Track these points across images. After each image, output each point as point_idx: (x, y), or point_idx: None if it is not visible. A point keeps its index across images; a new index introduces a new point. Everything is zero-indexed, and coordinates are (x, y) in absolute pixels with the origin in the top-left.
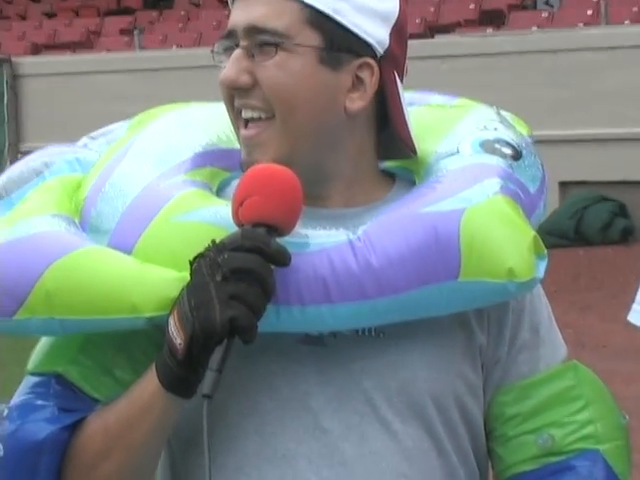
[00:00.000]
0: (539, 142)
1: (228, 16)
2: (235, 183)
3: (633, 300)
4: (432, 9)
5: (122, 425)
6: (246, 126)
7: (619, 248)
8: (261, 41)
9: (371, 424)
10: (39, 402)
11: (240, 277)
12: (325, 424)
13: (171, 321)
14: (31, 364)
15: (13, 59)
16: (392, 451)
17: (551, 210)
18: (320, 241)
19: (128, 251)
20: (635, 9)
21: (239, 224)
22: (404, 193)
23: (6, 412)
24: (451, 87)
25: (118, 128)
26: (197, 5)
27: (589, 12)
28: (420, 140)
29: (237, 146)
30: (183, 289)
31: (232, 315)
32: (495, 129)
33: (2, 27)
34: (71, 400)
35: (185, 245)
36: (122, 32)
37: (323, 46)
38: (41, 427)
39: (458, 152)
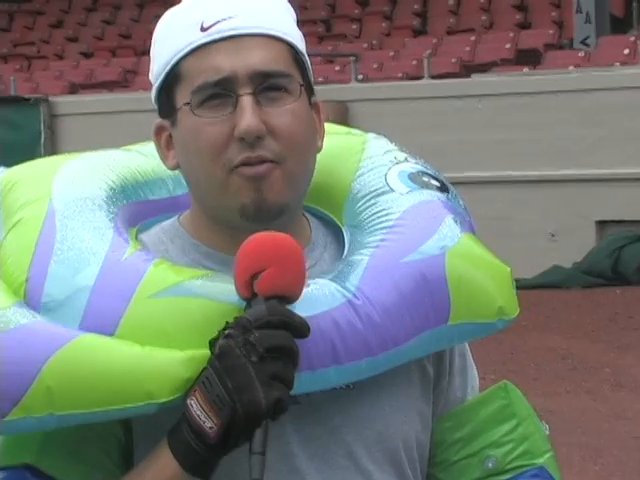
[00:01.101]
0: (577, 181)
1: None
2: (154, 232)
3: None
4: (468, 49)
5: None
6: (255, 165)
7: None
8: (269, 85)
9: (354, 477)
10: None
11: (276, 355)
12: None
13: (193, 403)
14: None
15: (50, 98)
16: None
17: (588, 249)
18: (316, 302)
19: (110, 332)
20: None
21: (247, 296)
22: (324, 233)
23: None
24: (487, 126)
25: None
26: None
27: (626, 51)
28: (327, 172)
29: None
30: (206, 369)
31: (277, 396)
32: (406, 159)
33: (40, 67)
34: None
35: (175, 321)
36: None
37: (305, 86)
38: None
39: (392, 190)
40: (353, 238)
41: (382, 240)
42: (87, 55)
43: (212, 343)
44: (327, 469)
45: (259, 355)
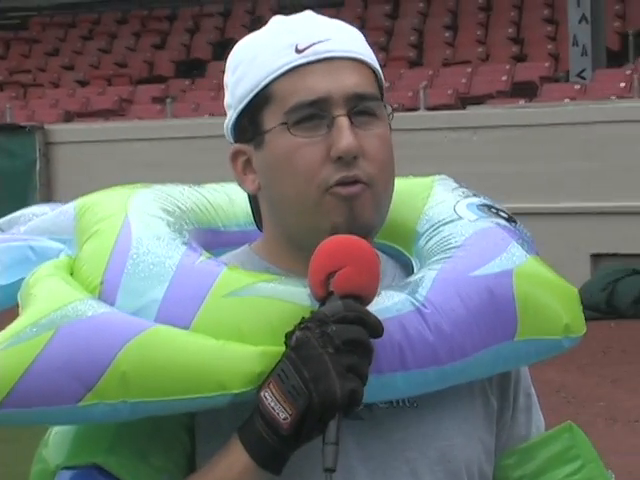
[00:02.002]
0: (571, 214)
1: None
2: (224, 257)
3: None
4: (464, 80)
5: None
6: (349, 184)
7: None
8: (362, 108)
9: None
10: None
11: (352, 349)
12: None
13: (267, 396)
14: (60, 457)
15: (46, 126)
16: None
17: (583, 282)
18: (386, 308)
19: (184, 327)
20: None
21: (322, 295)
22: (393, 266)
23: None
24: (482, 158)
25: (27, 214)
26: None
27: (622, 85)
28: (397, 208)
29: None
30: (281, 362)
31: (352, 388)
32: (475, 195)
33: (35, 95)
34: None
35: (249, 319)
36: (154, 100)
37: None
38: None
39: (460, 217)
40: (422, 265)
41: (449, 257)
42: (83, 83)
43: (287, 336)
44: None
45: (336, 347)
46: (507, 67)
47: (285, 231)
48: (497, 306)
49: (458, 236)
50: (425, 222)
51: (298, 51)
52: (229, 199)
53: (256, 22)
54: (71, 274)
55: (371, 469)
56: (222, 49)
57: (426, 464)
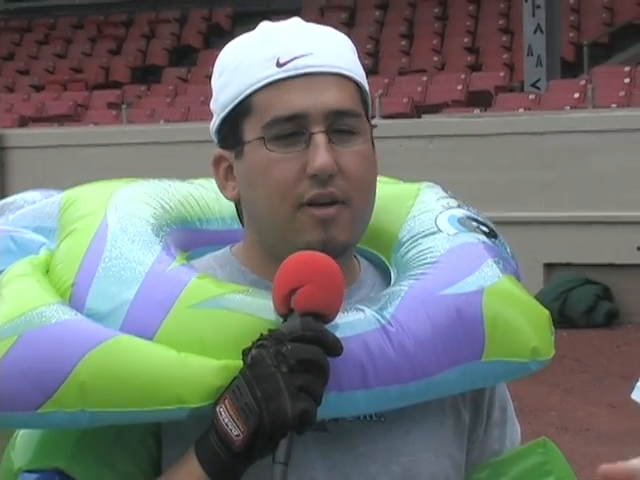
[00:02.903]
0: (525, 223)
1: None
2: (205, 259)
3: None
4: (419, 89)
5: None
6: (325, 205)
7: (603, 331)
8: (342, 125)
9: None
10: None
11: (306, 368)
12: None
13: (222, 411)
14: (23, 460)
15: (0, 131)
16: None
17: (535, 291)
18: (350, 325)
19: (148, 337)
20: (622, 93)
21: (283, 312)
22: (373, 274)
23: None
24: (438, 167)
25: (19, 200)
26: (185, 80)
27: (576, 95)
28: (381, 215)
29: (178, 224)
30: (237, 378)
31: (304, 408)
32: (459, 206)
33: None
34: None
35: (213, 332)
36: (110, 106)
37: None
38: None
39: (440, 230)
40: (399, 276)
41: (422, 273)
42: (38, 88)
43: (245, 353)
44: None
45: (289, 366)
46: (462, 76)
47: (262, 240)
48: (465, 326)
49: (434, 251)
50: (406, 232)
51: (279, 65)
52: (216, 196)
53: (213, 29)
54: (48, 271)
55: None
56: (178, 55)
57: (389, 478)
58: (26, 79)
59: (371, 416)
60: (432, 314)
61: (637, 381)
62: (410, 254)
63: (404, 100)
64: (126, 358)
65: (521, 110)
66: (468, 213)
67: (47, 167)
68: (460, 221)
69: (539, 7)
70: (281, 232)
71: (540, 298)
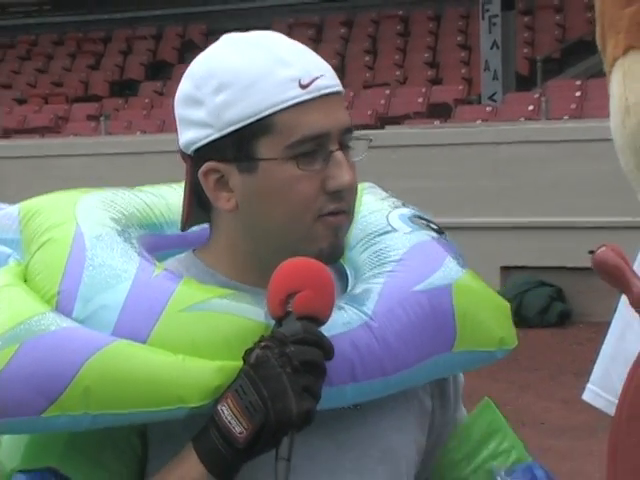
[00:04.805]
0: (483, 229)
1: None
2: (169, 262)
3: (578, 378)
4: (383, 102)
5: None
6: (336, 214)
7: (556, 331)
8: (349, 141)
9: None
10: None
11: (308, 370)
12: None
13: (224, 410)
14: (15, 461)
15: None
16: None
17: None
18: (336, 324)
19: (141, 342)
20: (573, 106)
21: (279, 314)
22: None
23: None
24: (400, 175)
25: None
26: (161, 94)
27: (530, 108)
28: None
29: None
30: (239, 378)
31: (308, 407)
32: (403, 205)
33: None
34: None
35: (204, 333)
36: (89, 118)
37: None
38: None
39: (394, 229)
40: (357, 274)
41: (392, 271)
42: (20, 101)
43: (247, 353)
44: (334, 477)
45: (294, 367)
46: (423, 90)
47: (253, 248)
48: (437, 319)
49: (395, 249)
50: (359, 231)
51: (302, 86)
52: (166, 203)
53: (187, 45)
54: (25, 281)
55: (317, 468)
56: (154, 70)
57: (369, 463)
58: (9, 93)
59: (348, 406)
60: (408, 309)
61: (587, 382)
62: (368, 252)
63: (368, 112)
64: (127, 362)
65: (478, 121)
66: (414, 212)
67: (28, 176)
68: (410, 219)
69: (495, 24)
70: (298, 241)
71: None
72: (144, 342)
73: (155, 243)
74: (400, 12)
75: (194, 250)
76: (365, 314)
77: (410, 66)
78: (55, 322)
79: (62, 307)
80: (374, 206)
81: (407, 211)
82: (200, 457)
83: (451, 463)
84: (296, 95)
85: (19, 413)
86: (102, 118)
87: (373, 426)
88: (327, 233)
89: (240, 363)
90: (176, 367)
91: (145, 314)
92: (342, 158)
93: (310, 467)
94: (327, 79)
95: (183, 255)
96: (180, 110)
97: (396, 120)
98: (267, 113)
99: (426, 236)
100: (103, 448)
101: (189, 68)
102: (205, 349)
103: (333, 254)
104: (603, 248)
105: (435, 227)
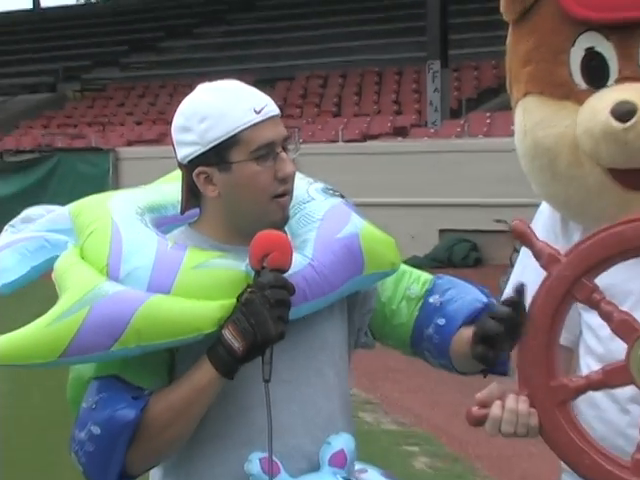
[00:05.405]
0: (429, 205)
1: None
2: (174, 234)
3: None
4: (365, 125)
5: (185, 402)
6: (285, 196)
7: (473, 270)
8: (286, 144)
9: (311, 371)
10: (117, 396)
11: (280, 304)
12: (284, 376)
13: (226, 333)
14: (90, 372)
15: (116, 149)
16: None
17: (433, 246)
18: (294, 266)
19: (167, 292)
20: (485, 129)
21: (257, 267)
22: None
23: (94, 405)
24: (377, 171)
25: (37, 216)
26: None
27: (458, 129)
28: None
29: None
30: (235, 312)
31: (281, 329)
32: (316, 181)
33: (110, 130)
34: (132, 391)
35: (210, 283)
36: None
37: None
38: (128, 412)
39: (313, 198)
40: (291, 231)
41: (319, 227)
42: (138, 123)
43: (239, 296)
44: (297, 366)
45: (271, 304)
46: (390, 118)
47: (235, 221)
48: (352, 255)
49: (318, 211)
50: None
51: (256, 112)
52: (161, 195)
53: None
54: (82, 259)
55: (287, 357)
56: None
57: (313, 350)
58: (131, 117)
59: (297, 320)
60: (334, 250)
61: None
62: (299, 215)
63: (357, 131)
64: (162, 309)
65: (425, 138)
66: (322, 185)
67: (146, 173)
68: (323, 190)
69: (436, 77)
70: (259, 216)
71: (436, 251)
72: (169, 291)
73: (160, 222)
74: (377, 69)
75: (189, 224)
76: (307, 257)
77: (383, 102)
78: (112, 288)
79: (111, 273)
80: (297, 184)
81: (319, 185)
82: (213, 364)
83: (383, 315)
84: (253, 118)
85: (95, 350)
86: None
87: (315, 325)
88: (278, 210)
89: (234, 301)
90: (193, 308)
91: (167, 272)
92: (285, 157)
93: (282, 354)
94: (271, 106)
95: (181, 228)
96: (176, 136)
97: (374, 137)
98: (236, 132)
99: (335, 201)
100: (148, 362)
101: (179, 108)
102: (211, 292)
103: (283, 222)
104: (517, 220)
105: (339, 194)
